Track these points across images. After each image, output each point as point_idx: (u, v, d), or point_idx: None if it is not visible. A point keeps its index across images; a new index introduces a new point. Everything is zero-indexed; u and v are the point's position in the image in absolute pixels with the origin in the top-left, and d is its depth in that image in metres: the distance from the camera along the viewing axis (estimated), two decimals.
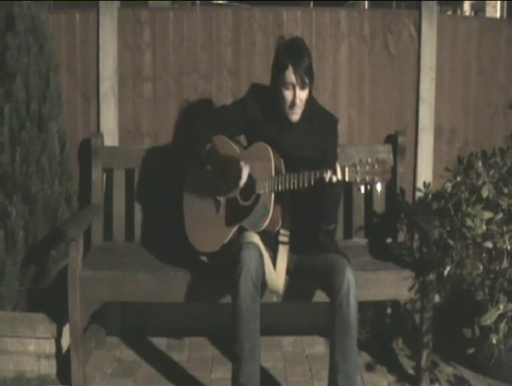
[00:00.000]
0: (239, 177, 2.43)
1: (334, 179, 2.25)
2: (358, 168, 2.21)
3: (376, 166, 2.19)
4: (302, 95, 2.44)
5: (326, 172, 2.26)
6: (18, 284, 2.78)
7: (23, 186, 2.74)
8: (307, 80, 2.42)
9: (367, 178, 2.20)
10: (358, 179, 2.21)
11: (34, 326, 2.67)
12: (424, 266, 2.59)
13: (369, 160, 2.21)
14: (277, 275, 2.42)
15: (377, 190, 2.26)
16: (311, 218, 2.51)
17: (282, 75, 2.42)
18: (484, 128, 3.27)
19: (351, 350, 2.29)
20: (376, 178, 2.19)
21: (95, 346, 2.91)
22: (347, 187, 2.81)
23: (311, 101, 2.50)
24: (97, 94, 3.09)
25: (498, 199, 2.60)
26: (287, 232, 2.52)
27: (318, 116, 2.57)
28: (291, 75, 2.41)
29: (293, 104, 2.44)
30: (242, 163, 2.44)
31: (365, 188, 2.23)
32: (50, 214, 2.81)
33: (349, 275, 2.29)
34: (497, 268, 2.56)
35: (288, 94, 2.43)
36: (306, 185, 2.33)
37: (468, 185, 2.69)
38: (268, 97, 2.54)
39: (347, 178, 2.23)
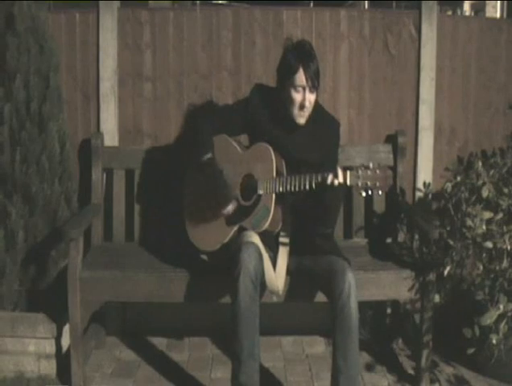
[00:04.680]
0: (224, 205, 2.48)
1: (336, 183, 2.25)
2: (360, 172, 2.20)
3: (378, 172, 2.18)
4: (311, 97, 2.45)
5: (328, 175, 2.26)
6: (18, 284, 2.78)
7: (23, 186, 2.74)
8: (316, 83, 2.43)
9: (368, 183, 2.19)
10: (360, 184, 2.20)
11: (34, 326, 2.67)
12: (424, 266, 2.59)
13: (371, 165, 2.20)
14: (276, 276, 2.42)
15: (378, 193, 2.25)
16: (310, 221, 2.51)
17: (292, 78, 2.42)
18: (484, 128, 3.26)
19: (352, 352, 2.29)
20: (377, 184, 2.19)
21: (95, 346, 2.91)
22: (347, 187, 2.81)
23: (315, 104, 2.50)
24: (97, 94, 3.09)
25: (498, 199, 2.60)
26: (288, 234, 2.52)
27: (321, 119, 2.57)
28: (301, 78, 2.41)
29: (302, 106, 2.44)
30: (234, 195, 2.48)
31: (366, 193, 2.22)
32: (50, 214, 2.81)
33: (350, 278, 2.28)
34: (497, 268, 2.56)
35: (298, 96, 2.43)
36: (307, 187, 2.32)
37: (468, 185, 2.69)
38: (272, 98, 2.54)
39: (348, 183, 2.23)
